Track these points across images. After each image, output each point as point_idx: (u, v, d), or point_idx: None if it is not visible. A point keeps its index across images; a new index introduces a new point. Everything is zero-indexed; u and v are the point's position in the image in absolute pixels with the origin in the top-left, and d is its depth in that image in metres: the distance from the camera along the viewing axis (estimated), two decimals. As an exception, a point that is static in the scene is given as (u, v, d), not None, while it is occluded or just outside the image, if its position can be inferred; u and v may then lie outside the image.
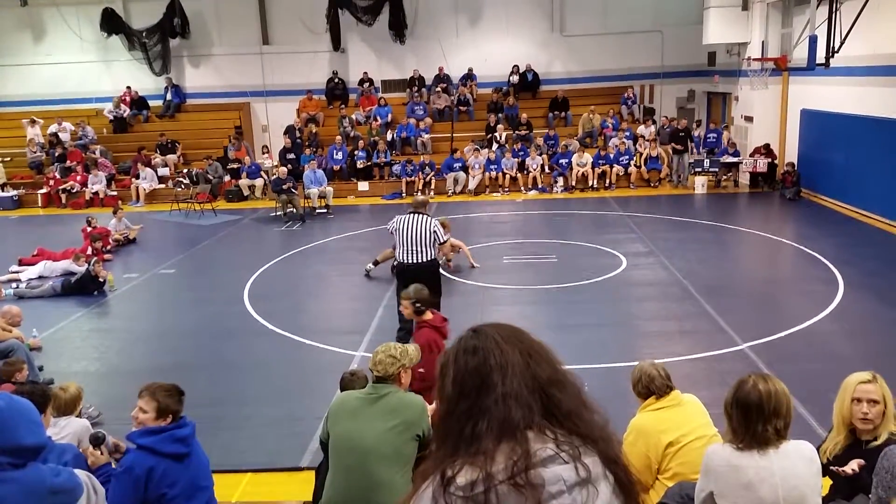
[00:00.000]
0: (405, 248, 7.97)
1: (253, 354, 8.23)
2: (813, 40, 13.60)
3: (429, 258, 8.00)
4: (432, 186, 18.70)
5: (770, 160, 17.31)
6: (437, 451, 1.58)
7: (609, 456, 1.54)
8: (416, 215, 8.06)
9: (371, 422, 3.73)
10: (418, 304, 5.71)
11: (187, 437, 3.67)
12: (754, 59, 16.81)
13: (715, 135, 18.74)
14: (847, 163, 14.73)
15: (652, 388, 3.93)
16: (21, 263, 12.46)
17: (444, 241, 8.24)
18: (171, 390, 3.76)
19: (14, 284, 11.44)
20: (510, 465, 1.45)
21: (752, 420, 2.95)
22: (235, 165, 19.50)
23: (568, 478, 1.47)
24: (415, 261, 7.96)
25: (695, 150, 18.67)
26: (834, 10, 13.17)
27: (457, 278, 10.99)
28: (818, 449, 3.30)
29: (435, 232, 8.01)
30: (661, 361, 4.34)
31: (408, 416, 3.75)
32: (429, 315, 5.86)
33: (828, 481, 3.63)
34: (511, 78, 22.23)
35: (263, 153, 20.16)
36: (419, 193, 18.40)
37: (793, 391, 6.03)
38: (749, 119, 18.64)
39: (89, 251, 12.50)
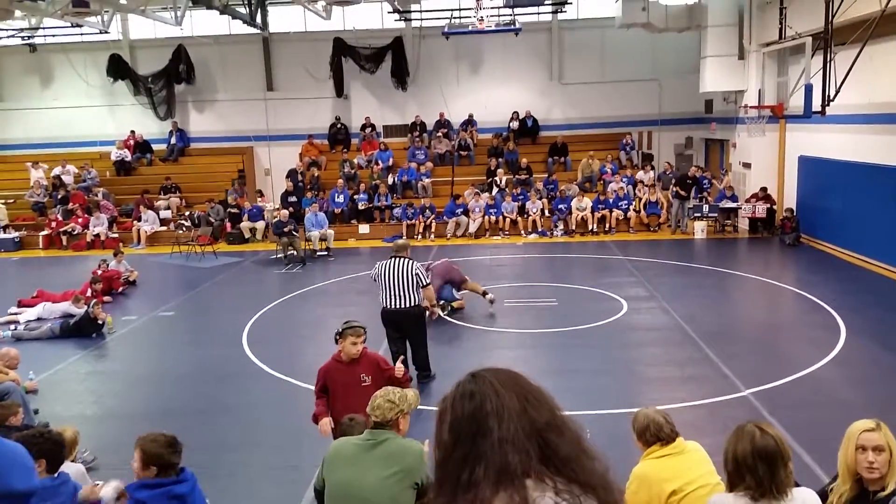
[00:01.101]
0: (388, 292, 7.96)
1: (251, 399, 8.15)
2: (808, 89, 13.80)
3: (413, 303, 7.99)
4: (433, 230, 18.78)
5: (768, 205, 17.41)
6: (434, 499, 1.56)
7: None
8: (398, 259, 8.05)
9: (369, 469, 3.66)
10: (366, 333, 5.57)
11: (185, 494, 3.57)
12: (751, 107, 17.04)
13: (706, 182, 18.94)
14: (846, 209, 14.81)
15: (661, 435, 3.88)
16: (20, 305, 12.43)
17: (427, 285, 8.20)
18: (159, 439, 3.64)
19: (12, 326, 11.40)
20: None
21: (777, 469, 2.91)
22: (235, 210, 19.56)
23: None
24: (399, 306, 7.95)
25: (693, 197, 18.79)
26: (828, 59, 13.39)
27: (457, 322, 10.95)
28: (823, 498, 3.25)
29: (417, 275, 8.00)
30: (663, 408, 4.29)
31: (406, 464, 3.69)
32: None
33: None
34: (511, 123, 22.53)
35: (258, 197, 20.25)
36: (419, 236, 18.49)
37: (797, 438, 6.01)
38: (747, 165, 18.81)
39: (89, 293, 12.48)
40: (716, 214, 17.96)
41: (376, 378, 5.21)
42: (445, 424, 1.58)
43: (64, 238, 19.02)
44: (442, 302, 11.19)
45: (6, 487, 2.47)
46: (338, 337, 5.32)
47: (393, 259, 8.08)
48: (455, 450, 1.54)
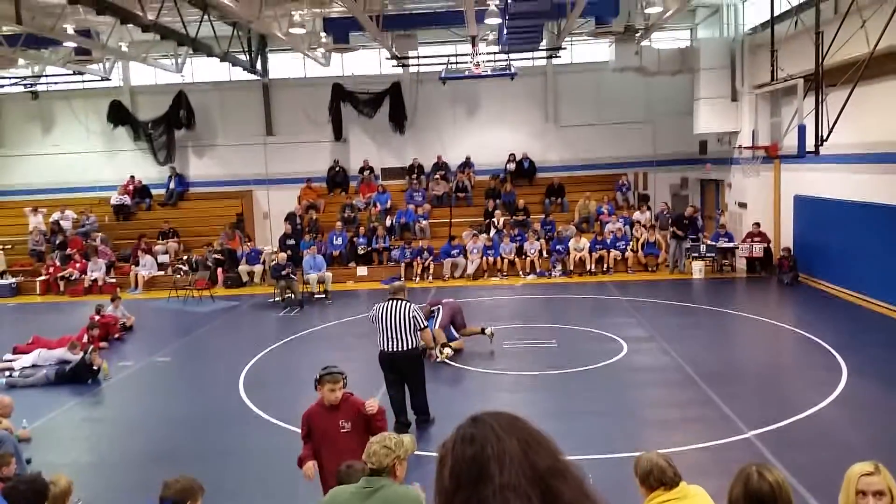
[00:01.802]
0: (386, 335, 7.92)
1: (247, 445, 8.04)
2: (802, 129, 13.95)
3: (411, 345, 7.93)
4: (431, 271, 18.78)
5: (765, 245, 17.46)
6: None
7: None
8: (396, 302, 8.03)
9: None
10: (346, 379, 5.41)
11: None
12: (745, 148, 17.21)
13: (700, 222, 19.06)
14: (843, 247, 14.85)
15: (664, 480, 3.82)
16: (15, 351, 12.34)
17: (425, 328, 8.17)
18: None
19: (7, 373, 11.29)
20: None
21: None
22: (219, 256, 19.38)
23: None
24: (396, 348, 7.89)
25: (689, 237, 18.85)
26: (820, 100, 13.58)
27: (455, 364, 10.87)
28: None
29: (415, 318, 7.97)
30: (665, 451, 4.23)
31: None
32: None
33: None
34: (508, 165, 22.71)
35: (246, 242, 20.22)
36: (417, 278, 18.48)
37: (801, 480, 5.92)
38: (743, 205, 18.92)
39: (85, 339, 12.40)
40: (713, 254, 17.99)
41: (356, 424, 5.14)
42: (446, 469, 1.55)
43: (61, 283, 18.98)
44: (441, 347, 11.12)
45: None
46: (317, 383, 5.24)
47: (390, 301, 8.06)
48: (456, 496, 1.51)
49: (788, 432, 7.73)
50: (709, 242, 18.13)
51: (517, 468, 1.49)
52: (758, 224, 17.56)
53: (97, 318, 13.29)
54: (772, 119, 17.80)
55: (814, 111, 13.67)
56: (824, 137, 13.59)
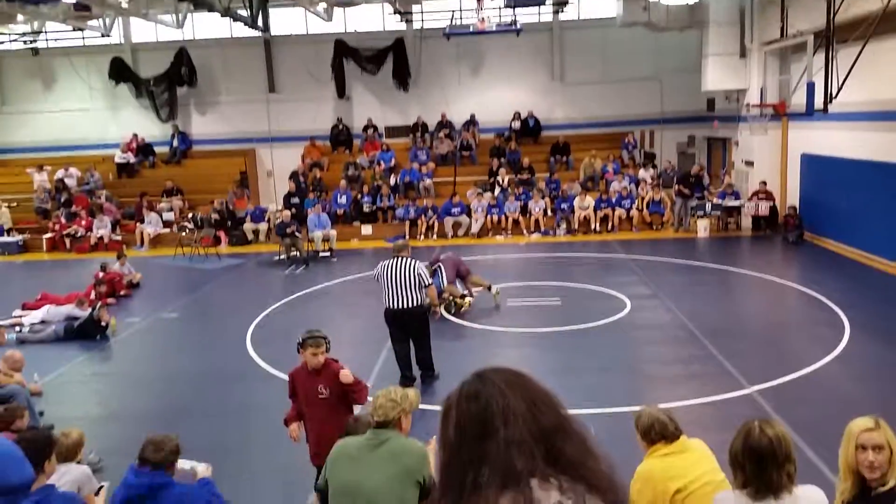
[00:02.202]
0: (391, 292, 7.97)
1: (255, 400, 8.16)
2: (811, 86, 13.79)
3: (416, 302, 7.99)
4: (435, 230, 18.79)
5: (771, 203, 17.38)
6: (439, 500, 1.55)
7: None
8: (400, 259, 8.07)
9: (372, 469, 3.67)
10: (329, 344, 5.39)
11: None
12: (753, 106, 17.03)
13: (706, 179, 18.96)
14: (849, 206, 14.79)
15: (665, 434, 3.88)
16: (24, 308, 12.46)
17: (430, 285, 8.21)
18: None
19: (17, 329, 11.43)
20: None
21: (767, 468, 2.91)
22: (217, 216, 19.12)
23: None
24: (402, 306, 7.95)
25: (696, 195, 18.77)
26: (830, 57, 13.38)
27: (460, 321, 10.96)
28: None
29: (419, 274, 8.02)
30: (667, 406, 4.30)
31: (409, 463, 3.69)
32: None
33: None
34: (512, 124, 22.52)
35: (236, 195, 20.08)
36: (421, 237, 18.50)
37: (801, 436, 6.01)
38: (750, 163, 18.79)
39: (92, 295, 12.51)
40: (719, 213, 17.94)
41: (334, 391, 5.17)
42: (451, 425, 1.57)
43: (67, 241, 19.07)
44: (460, 298, 11.44)
45: (4, 483, 2.49)
46: (299, 347, 5.26)
47: (394, 259, 8.10)
48: (460, 451, 1.53)
49: (790, 388, 7.80)
50: (714, 201, 18.05)
51: (521, 424, 1.51)
52: (764, 183, 17.45)
53: (102, 275, 13.37)
54: (780, 76, 17.56)
55: (823, 68, 13.49)
56: (833, 95, 13.44)
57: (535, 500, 1.44)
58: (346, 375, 5.17)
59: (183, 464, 4.20)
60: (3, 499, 2.47)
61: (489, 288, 11.78)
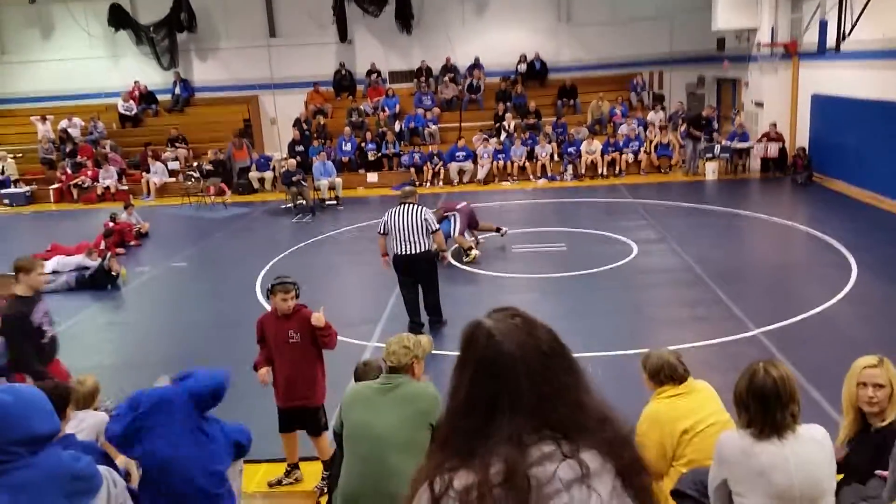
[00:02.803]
0: (399, 239, 7.99)
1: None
2: (823, 25, 13.49)
3: (423, 248, 8.01)
4: (441, 176, 18.70)
5: (780, 144, 17.18)
6: (438, 450, 1.55)
7: (613, 448, 1.49)
8: (406, 206, 8.07)
9: (385, 412, 3.75)
10: (299, 290, 5.38)
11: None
12: (764, 45, 16.68)
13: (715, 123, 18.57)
14: (859, 147, 14.61)
15: (674, 375, 3.94)
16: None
17: (437, 230, 8.21)
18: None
19: (28, 280, 11.52)
20: (506, 467, 1.43)
21: (771, 408, 2.95)
22: (210, 167, 18.95)
23: (564, 476, 1.43)
24: (409, 251, 7.98)
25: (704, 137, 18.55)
26: (845, -8, 13.04)
27: (467, 268, 11.01)
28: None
29: (426, 220, 8.03)
30: (673, 348, 4.34)
31: (421, 406, 3.77)
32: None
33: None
34: (518, 67, 22.14)
35: (235, 145, 19.58)
36: (427, 184, 18.42)
37: (806, 376, 6.07)
38: (759, 104, 18.49)
39: (102, 246, 12.59)
40: (727, 155, 17.75)
41: (305, 335, 5.22)
42: (466, 377, 1.56)
43: (74, 191, 19.08)
44: (467, 251, 11.48)
45: (29, 431, 2.54)
46: (268, 293, 5.31)
47: (402, 206, 8.10)
48: (470, 409, 1.53)
49: (796, 330, 7.86)
50: (723, 143, 17.84)
51: (532, 378, 1.50)
52: (774, 125, 17.21)
53: (111, 224, 13.43)
54: (792, 15, 17.13)
55: (837, 5, 13.15)
56: (847, 33, 13.13)
57: (527, 450, 1.45)
58: (318, 318, 5.22)
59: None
60: (26, 448, 2.52)
61: (497, 229, 11.90)
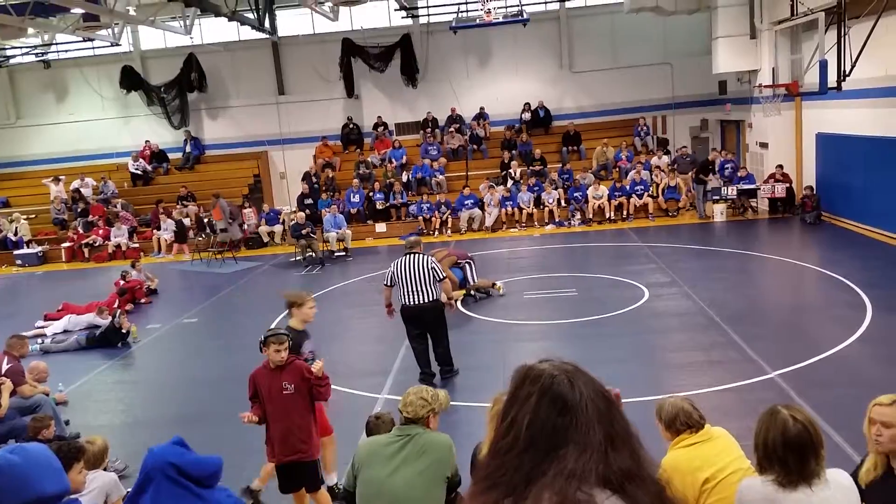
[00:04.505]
0: (406, 290, 7.96)
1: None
2: (823, 65, 13.61)
3: (431, 298, 7.98)
4: (449, 225, 18.78)
5: (787, 185, 17.19)
6: (484, 490, 1.47)
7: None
8: (412, 256, 8.07)
9: (401, 466, 3.68)
10: (292, 342, 5.38)
11: None
12: (765, 86, 16.83)
13: (731, 165, 18.45)
14: (867, 184, 14.60)
15: (690, 423, 3.85)
16: (46, 318, 12.61)
17: (444, 278, 8.20)
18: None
19: (40, 340, 11.56)
20: (559, 499, 1.37)
21: (808, 458, 2.88)
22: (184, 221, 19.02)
23: None
24: (417, 301, 7.94)
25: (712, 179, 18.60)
26: (842, 33, 13.19)
27: (477, 315, 10.95)
28: (853, 475, 3.22)
29: (433, 269, 8.01)
30: (690, 393, 4.27)
31: (437, 456, 3.70)
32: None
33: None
34: (523, 115, 22.44)
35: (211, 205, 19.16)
36: (436, 233, 18.50)
37: (826, 418, 5.95)
38: (764, 145, 18.59)
39: (116, 304, 12.62)
40: (735, 197, 17.76)
41: (299, 386, 5.17)
42: (527, 411, 1.48)
43: (86, 250, 19.25)
44: (492, 285, 12.04)
45: (40, 493, 2.49)
46: (262, 345, 5.28)
47: (407, 256, 8.10)
48: (528, 444, 1.46)
49: (813, 371, 7.73)
50: (731, 187, 17.86)
51: (595, 458, 1.44)
52: (780, 166, 17.27)
53: (123, 283, 13.50)
54: (792, 56, 17.34)
55: (836, 45, 13.31)
56: (847, 72, 13.26)
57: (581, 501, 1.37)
58: (319, 368, 5.20)
59: None
60: None
61: (493, 285, 12.18)
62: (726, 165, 18.44)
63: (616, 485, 1.41)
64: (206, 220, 19.36)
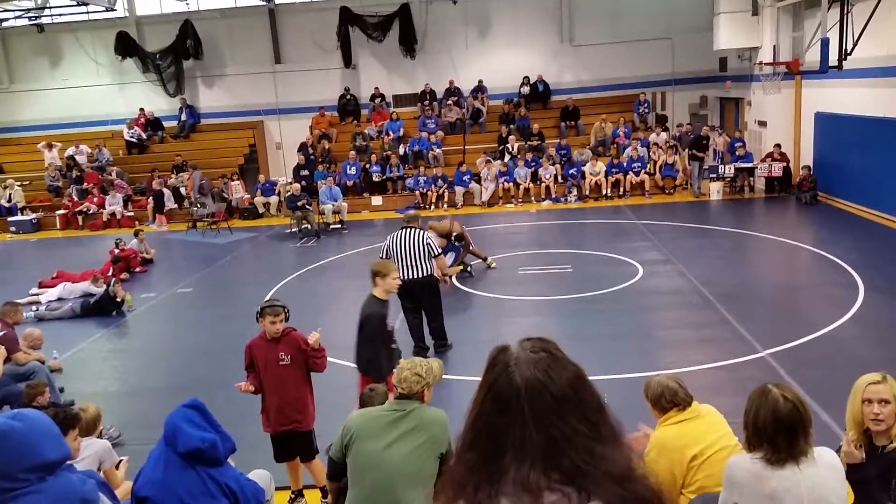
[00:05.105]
0: (401, 263, 7.95)
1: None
2: (825, 43, 13.52)
3: (426, 273, 7.99)
4: (445, 199, 18.74)
5: (784, 164, 17.17)
6: (444, 489, 1.45)
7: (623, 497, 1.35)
8: (409, 230, 8.07)
9: (396, 441, 3.69)
10: (288, 313, 5.34)
11: None
12: (766, 64, 16.74)
13: (740, 144, 17.99)
14: (864, 165, 14.59)
15: (676, 400, 3.88)
16: (41, 286, 12.60)
17: (439, 254, 8.20)
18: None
19: (34, 307, 11.56)
20: None
21: (797, 437, 2.91)
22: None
23: None
24: (411, 276, 7.94)
25: (710, 157, 18.55)
26: (845, 12, 13.09)
27: (472, 290, 10.98)
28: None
29: (429, 244, 8.02)
30: (681, 371, 4.30)
31: (433, 433, 3.72)
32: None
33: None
34: (521, 89, 22.27)
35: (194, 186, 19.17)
36: (432, 206, 18.46)
37: (815, 397, 6.01)
38: (763, 124, 18.53)
39: (110, 272, 12.61)
40: (732, 175, 17.73)
41: (296, 357, 5.20)
42: (477, 406, 1.45)
43: (80, 218, 19.19)
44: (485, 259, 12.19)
45: (41, 458, 2.52)
46: (258, 316, 5.29)
47: (404, 230, 8.09)
48: (474, 444, 1.43)
49: (803, 351, 7.79)
50: (728, 165, 17.82)
51: (559, 421, 1.39)
52: (778, 146, 17.21)
53: (117, 251, 13.48)
54: (794, 33, 17.22)
55: (838, 23, 13.21)
56: (848, 51, 13.17)
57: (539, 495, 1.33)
58: (315, 339, 5.23)
59: None
60: (36, 475, 2.50)
61: (485, 259, 12.25)
62: (736, 144, 18.08)
63: (570, 489, 1.33)
64: (182, 192, 19.25)
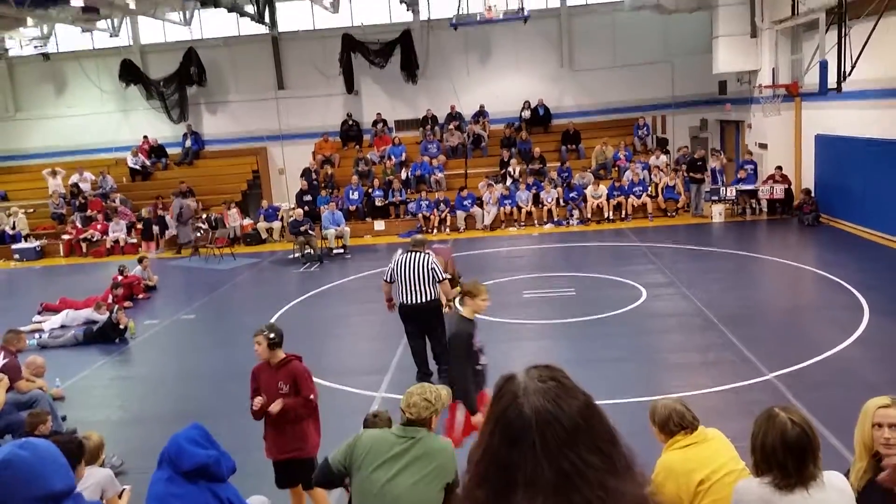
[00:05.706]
0: (405, 287, 7.92)
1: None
2: (823, 65, 13.61)
3: (430, 297, 7.95)
4: (447, 223, 18.77)
5: (786, 186, 17.20)
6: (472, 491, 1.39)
7: None
8: (414, 254, 8.03)
9: (403, 470, 3.65)
10: (273, 337, 5.34)
11: None
12: (765, 87, 16.83)
13: (751, 167, 17.96)
14: (865, 186, 14.60)
15: (684, 424, 3.85)
16: (44, 308, 12.59)
17: (444, 279, 8.14)
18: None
19: (37, 335, 11.55)
20: None
21: (806, 461, 2.87)
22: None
23: None
24: (415, 301, 7.91)
25: (709, 180, 18.59)
26: (843, 34, 13.19)
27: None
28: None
29: (433, 269, 7.96)
30: (686, 394, 4.27)
31: (441, 461, 3.67)
32: (282, 353, 5.42)
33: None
34: (522, 113, 22.42)
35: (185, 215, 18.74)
36: (434, 231, 18.49)
37: (822, 420, 5.96)
38: (763, 146, 18.59)
39: (110, 299, 12.61)
40: (734, 197, 17.75)
41: (292, 387, 5.21)
42: (485, 439, 1.40)
43: (84, 245, 19.22)
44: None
45: (48, 489, 2.49)
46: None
47: (409, 254, 8.07)
48: (484, 480, 1.38)
49: (809, 373, 7.74)
50: (730, 187, 17.85)
51: (569, 453, 1.34)
52: (780, 167, 17.26)
53: (120, 278, 13.49)
54: (792, 56, 17.34)
55: (836, 46, 13.30)
56: (847, 73, 13.25)
57: None
58: (274, 408, 5.20)
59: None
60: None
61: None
62: (747, 166, 18.02)
63: None
64: (205, 216, 19.33)
